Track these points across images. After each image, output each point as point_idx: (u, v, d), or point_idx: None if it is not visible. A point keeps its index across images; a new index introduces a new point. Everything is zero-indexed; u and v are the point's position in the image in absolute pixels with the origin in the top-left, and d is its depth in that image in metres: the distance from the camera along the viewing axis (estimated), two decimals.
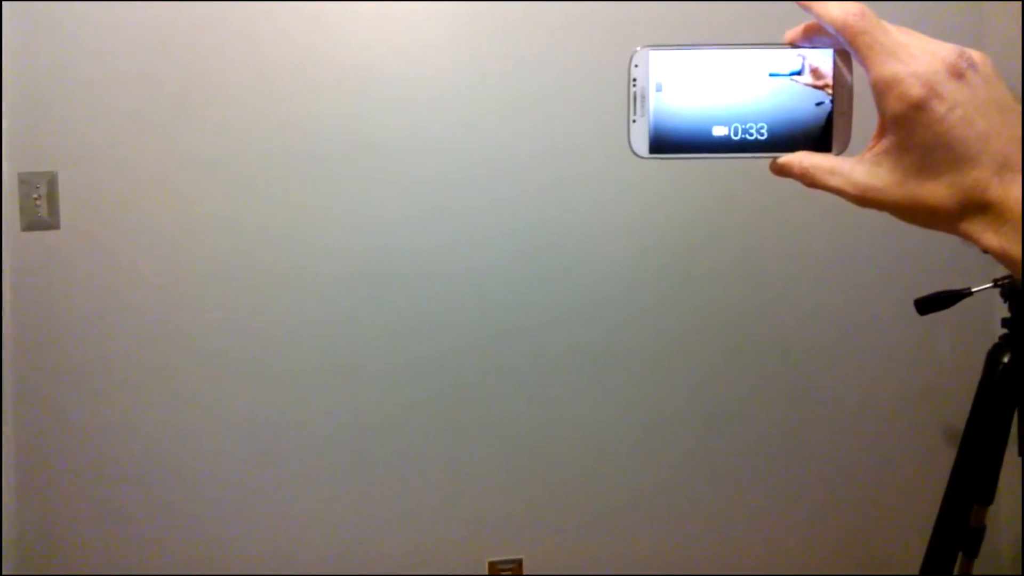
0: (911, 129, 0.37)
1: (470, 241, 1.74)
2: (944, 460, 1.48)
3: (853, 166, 0.40)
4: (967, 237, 0.38)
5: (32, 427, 1.67)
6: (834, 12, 0.39)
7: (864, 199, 0.39)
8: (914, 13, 1.73)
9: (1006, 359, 1.32)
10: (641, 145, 0.44)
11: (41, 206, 1.68)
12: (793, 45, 0.43)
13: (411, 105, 1.72)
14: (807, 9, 0.40)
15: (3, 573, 1.64)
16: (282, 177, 1.70)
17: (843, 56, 0.42)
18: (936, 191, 0.37)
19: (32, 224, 1.68)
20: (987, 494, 1.36)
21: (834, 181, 0.40)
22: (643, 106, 0.43)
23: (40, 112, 1.66)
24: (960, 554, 1.34)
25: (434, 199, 1.73)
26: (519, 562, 1.77)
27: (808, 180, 0.41)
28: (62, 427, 1.68)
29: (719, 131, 0.43)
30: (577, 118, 1.74)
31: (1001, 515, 1.83)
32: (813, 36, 0.42)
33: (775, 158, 0.43)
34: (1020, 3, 1.74)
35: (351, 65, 1.70)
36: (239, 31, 1.68)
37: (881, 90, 0.37)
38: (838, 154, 0.42)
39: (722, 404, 1.81)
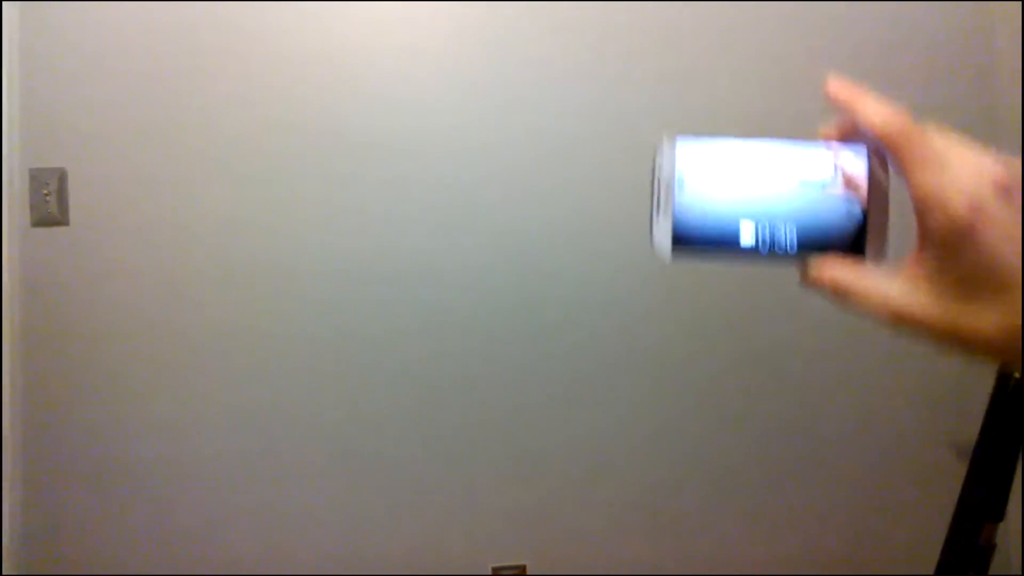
0: (954, 250, 0.34)
1: (475, 242, 1.73)
2: (954, 474, 1.45)
3: (889, 285, 0.37)
4: (1011, 367, 0.35)
5: (38, 423, 1.68)
6: (875, 118, 0.36)
7: (900, 322, 0.36)
8: (920, 13, 1.71)
9: (1017, 374, 1.30)
10: (664, 243, 0.42)
11: (51, 202, 1.68)
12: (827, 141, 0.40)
13: (416, 105, 1.71)
14: (846, 111, 0.38)
15: (5, 573, 1.64)
16: (294, 176, 1.70)
17: (879, 156, 0.39)
18: (979, 317, 0.34)
19: (42, 220, 1.68)
20: (998, 511, 1.34)
21: (868, 303, 0.37)
22: (667, 202, 0.41)
23: (50, 109, 1.67)
24: (970, 573, 1.32)
25: (440, 199, 1.73)
26: (522, 568, 1.76)
27: (841, 300, 0.38)
28: (68, 424, 1.68)
29: (746, 231, 0.40)
30: (582, 118, 1.73)
31: (1010, 532, 1.81)
32: (849, 133, 0.39)
33: (805, 268, 0.39)
34: (1020, 3, 1.73)
35: (356, 65, 1.70)
36: (249, 32, 1.68)
37: (923, 206, 0.35)
38: (874, 265, 0.39)
39: (727, 409, 1.79)
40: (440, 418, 1.74)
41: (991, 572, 1.81)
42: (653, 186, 0.42)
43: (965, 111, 1.75)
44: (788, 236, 0.39)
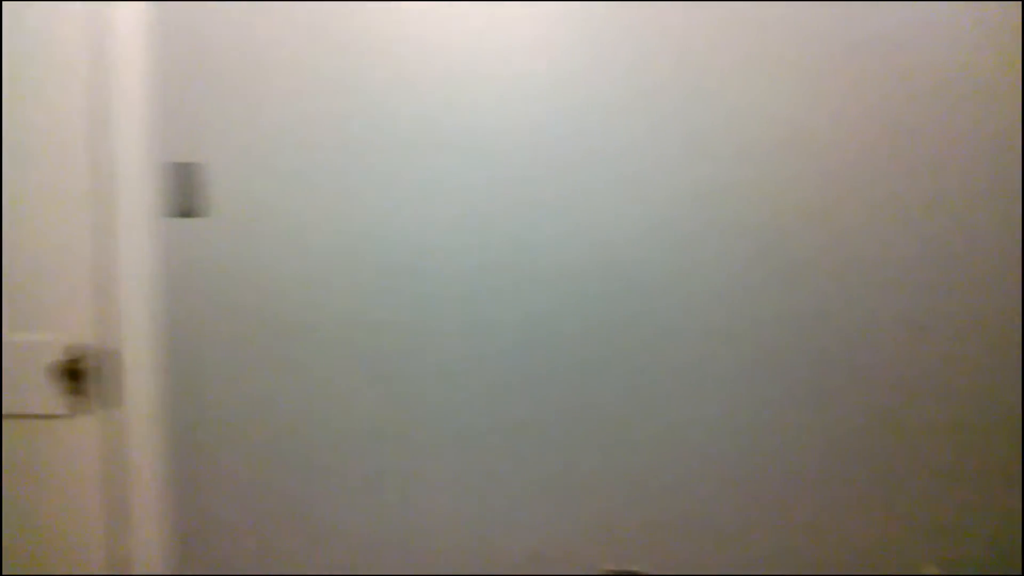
0: None
1: (567, 238, 1.75)
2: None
3: None
4: None
5: (182, 417, 1.65)
6: None
7: None
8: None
9: None
10: None
11: (189, 195, 1.68)
12: None
13: (529, 101, 1.72)
14: None
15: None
16: (427, 170, 1.72)
17: None
18: None
19: (180, 212, 1.68)
20: None
21: None
22: None
23: (188, 103, 1.65)
24: None
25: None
26: (634, 574, 1.79)
27: None
28: (207, 418, 1.66)
29: None
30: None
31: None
32: None
33: None
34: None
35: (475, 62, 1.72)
36: (395, 30, 1.70)
37: None
38: None
39: (836, 408, 1.79)
40: (555, 421, 1.78)
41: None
42: None
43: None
44: None
